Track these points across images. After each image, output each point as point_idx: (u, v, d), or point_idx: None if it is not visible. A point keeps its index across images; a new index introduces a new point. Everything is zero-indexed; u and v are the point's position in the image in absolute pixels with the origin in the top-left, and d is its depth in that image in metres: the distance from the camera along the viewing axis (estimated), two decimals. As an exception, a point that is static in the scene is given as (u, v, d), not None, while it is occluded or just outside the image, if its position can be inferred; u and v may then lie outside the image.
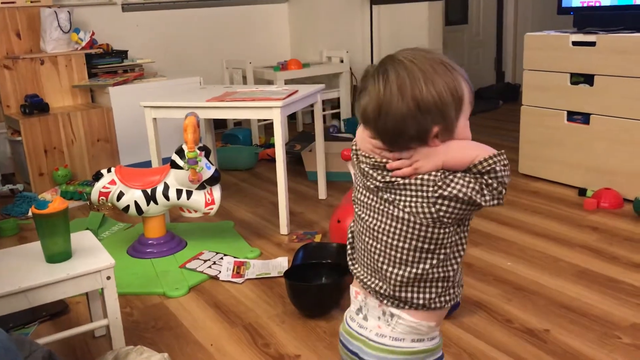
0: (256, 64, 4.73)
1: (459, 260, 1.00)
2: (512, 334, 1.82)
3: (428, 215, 0.94)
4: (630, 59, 2.76)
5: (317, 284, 2.09)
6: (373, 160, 0.99)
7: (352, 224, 1.11)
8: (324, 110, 4.82)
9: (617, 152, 2.88)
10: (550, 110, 3.17)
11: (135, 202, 2.41)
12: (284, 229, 2.72)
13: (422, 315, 1.01)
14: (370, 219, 1.02)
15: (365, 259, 1.05)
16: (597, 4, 3.06)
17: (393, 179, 0.96)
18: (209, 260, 2.44)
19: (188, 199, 2.44)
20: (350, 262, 1.11)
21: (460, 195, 0.92)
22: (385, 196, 0.99)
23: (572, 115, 3.09)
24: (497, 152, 0.94)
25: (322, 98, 3.21)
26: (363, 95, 0.95)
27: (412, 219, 0.96)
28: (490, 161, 0.92)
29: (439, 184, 0.93)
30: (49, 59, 3.72)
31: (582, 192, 2.99)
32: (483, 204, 0.93)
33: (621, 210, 2.79)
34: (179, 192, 2.43)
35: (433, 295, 1.00)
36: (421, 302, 1.00)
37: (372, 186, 1.00)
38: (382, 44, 5.18)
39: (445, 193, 0.92)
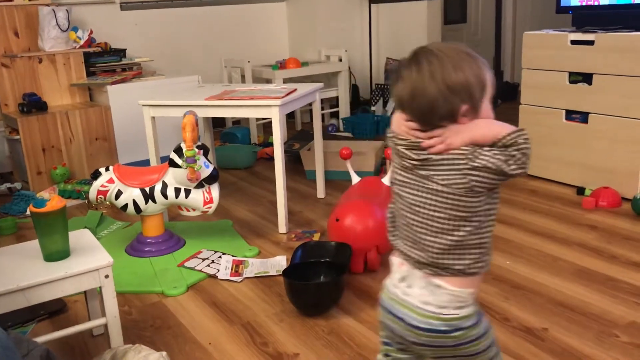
0: (255, 63, 4.72)
1: (490, 229, 1.12)
2: (511, 332, 1.82)
3: (461, 186, 1.05)
4: (629, 57, 2.76)
5: (315, 282, 2.09)
6: (408, 141, 1.10)
7: (391, 204, 1.22)
8: (322, 109, 4.82)
9: (616, 151, 2.88)
10: (549, 109, 3.17)
11: (134, 201, 2.41)
12: (282, 227, 2.72)
13: (461, 283, 1.11)
14: (409, 195, 1.13)
15: (407, 233, 1.16)
16: (596, 3, 3.06)
17: (428, 156, 1.08)
18: (207, 259, 2.44)
19: (186, 197, 2.44)
20: (392, 238, 1.22)
21: (490, 165, 1.03)
22: (421, 172, 1.10)
23: (570, 114, 3.09)
24: (518, 128, 1.05)
25: (320, 97, 3.21)
26: (398, 83, 1.08)
27: (447, 190, 1.07)
28: (514, 135, 1.04)
29: (470, 156, 1.04)
30: (47, 58, 3.71)
31: (580, 191, 2.99)
32: (510, 172, 1.04)
33: (619, 209, 2.79)
34: (177, 191, 2.43)
35: (469, 262, 1.10)
36: (459, 267, 1.10)
37: (408, 165, 1.11)
38: (381, 43, 5.18)
39: (476, 164, 1.04)
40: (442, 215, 1.09)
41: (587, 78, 2.98)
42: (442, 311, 1.10)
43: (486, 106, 1.09)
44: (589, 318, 1.88)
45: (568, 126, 3.09)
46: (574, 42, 3.00)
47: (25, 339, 1.38)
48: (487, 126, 1.06)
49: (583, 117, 3.02)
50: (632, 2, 2.91)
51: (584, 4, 3.12)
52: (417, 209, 1.12)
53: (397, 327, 1.15)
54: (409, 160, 1.11)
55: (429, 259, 1.11)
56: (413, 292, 1.14)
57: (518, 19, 5.91)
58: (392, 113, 1.16)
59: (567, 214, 2.77)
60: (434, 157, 1.07)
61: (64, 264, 1.62)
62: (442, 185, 1.07)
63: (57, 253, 1.64)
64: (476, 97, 1.06)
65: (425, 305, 1.11)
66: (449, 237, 1.09)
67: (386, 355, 1.26)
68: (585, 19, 3.10)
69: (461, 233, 1.09)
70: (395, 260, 1.20)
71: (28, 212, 2.94)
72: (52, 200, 1.61)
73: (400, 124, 1.13)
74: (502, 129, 1.05)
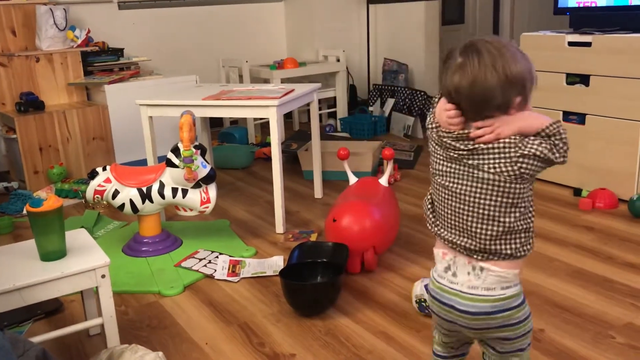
0: (252, 63, 4.72)
1: (533, 213, 1.18)
2: (507, 333, 1.82)
3: (511, 173, 1.11)
4: (626, 59, 2.77)
5: (312, 282, 2.09)
6: (456, 133, 1.14)
7: (428, 196, 1.28)
8: (320, 109, 4.82)
9: (613, 152, 2.89)
10: (546, 110, 3.17)
11: (131, 201, 2.41)
12: (279, 227, 2.72)
13: (507, 265, 1.17)
14: (456, 185, 1.18)
15: (453, 221, 1.20)
16: (593, 5, 3.07)
17: (477, 146, 1.12)
18: (204, 259, 2.44)
19: (183, 197, 2.43)
20: (435, 228, 1.26)
21: (538, 153, 1.10)
22: (470, 162, 1.14)
23: (567, 115, 3.09)
24: (557, 120, 1.13)
25: (318, 97, 3.21)
26: (456, 72, 1.11)
27: (496, 177, 1.12)
28: (555, 125, 1.11)
29: (520, 145, 1.10)
30: (44, 57, 3.71)
31: (577, 192, 3.00)
32: (555, 160, 1.11)
33: (616, 210, 2.80)
34: (174, 191, 2.43)
35: (518, 245, 1.16)
36: (509, 252, 1.16)
37: (455, 155, 1.16)
38: (379, 43, 5.18)
39: (526, 152, 1.10)
40: (491, 202, 1.14)
41: (584, 79, 2.99)
42: (489, 293, 1.16)
43: (530, 100, 1.15)
44: (585, 319, 1.88)
45: (565, 127, 3.09)
46: (571, 44, 3.01)
47: (21, 339, 1.37)
48: (532, 118, 1.12)
49: (580, 118, 3.03)
50: (629, 4, 2.91)
51: (581, 5, 3.12)
52: (465, 197, 1.17)
53: (448, 314, 1.22)
54: (456, 151, 1.15)
55: (479, 245, 1.16)
56: (459, 279, 1.20)
57: (516, 20, 5.91)
58: (434, 103, 1.21)
59: (564, 215, 2.78)
60: (483, 146, 1.12)
61: (60, 264, 1.62)
62: (491, 173, 1.12)
63: (53, 253, 1.64)
64: (527, 89, 1.12)
65: (472, 289, 1.17)
66: (499, 223, 1.15)
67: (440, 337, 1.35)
68: (583, 20, 3.11)
69: (510, 219, 1.15)
70: (437, 251, 1.25)
71: (25, 212, 2.93)
72: (49, 199, 1.61)
73: (442, 114, 1.16)
74: (545, 120, 1.12)
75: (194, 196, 2.44)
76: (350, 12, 5.20)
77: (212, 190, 2.46)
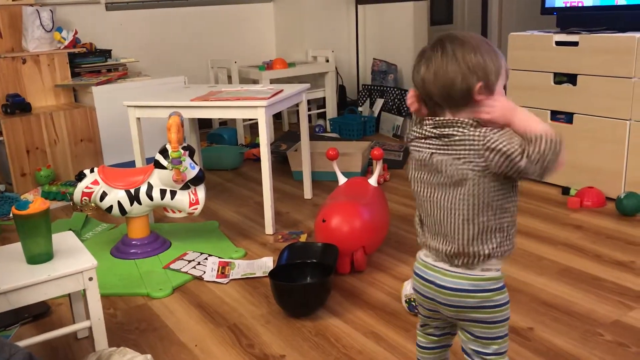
0: (241, 64, 4.71)
1: (510, 215, 1.19)
2: (496, 332, 1.83)
3: (476, 167, 1.13)
4: (612, 58, 2.79)
5: (301, 283, 2.09)
6: (431, 122, 1.17)
7: (417, 212, 1.30)
8: (309, 109, 4.82)
9: (600, 151, 2.91)
10: (534, 110, 3.19)
11: (119, 203, 2.39)
12: (269, 228, 2.71)
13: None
14: (431, 192, 1.21)
15: (437, 229, 1.23)
16: (580, 5, 3.09)
17: (445, 130, 1.14)
18: (193, 260, 2.42)
19: (172, 199, 2.42)
20: (423, 239, 1.28)
21: (503, 148, 1.09)
22: (435, 160, 1.17)
23: (555, 115, 3.11)
24: (549, 135, 1.08)
25: (307, 98, 3.21)
26: (421, 65, 1.17)
27: (464, 175, 1.14)
28: (539, 135, 1.08)
29: (488, 137, 1.10)
30: (31, 58, 3.68)
31: (565, 190, 3.01)
32: (518, 163, 1.09)
33: (604, 208, 2.82)
34: (162, 192, 2.41)
35: (495, 245, 1.19)
36: (487, 252, 1.18)
37: (425, 156, 1.19)
38: (368, 44, 5.18)
39: (492, 146, 1.10)
40: (462, 205, 1.17)
41: (571, 79, 3.00)
42: (469, 272, 1.19)
43: (500, 89, 1.17)
44: (574, 317, 1.89)
45: (553, 126, 3.11)
46: (558, 43, 3.03)
47: (7, 343, 1.36)
48: (532, 119, 1.12)
49: (568, 117, 3.05)
50: (615, 4, 2.94)
51: (568, 5, 3.14)
52: (441, 202, 1.20)
53: (428, 290, 1.24)
54: (428, 142, 1.18)
55: (459, 248, 1.19)
56: (441, 264, 1.23)
57: (504, 20, 5.94)
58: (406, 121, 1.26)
59: (552, 214, 2.79)
60: (451, 132, 1.14)
61: (47, 267, 1.60)
62: (459, 169, 1.14)
63: (39, 256, 1.62)
64: (491, 78, 1.14)
65: (454, 268, 1.21)
66: (474, 223, 1.17)
67: (423, 325, 1.38)
68: (570, 20, 3.12)
69: (483, 219, 1.17)
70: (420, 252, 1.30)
71: (12, 215, 2.91)
72: (35, 202, 1.60)
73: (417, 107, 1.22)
74: (539, 126, 1.10)
75: (183, 198, 2.43)
76: (339, 12, 5.20)
77: (200, 191, 2.45)
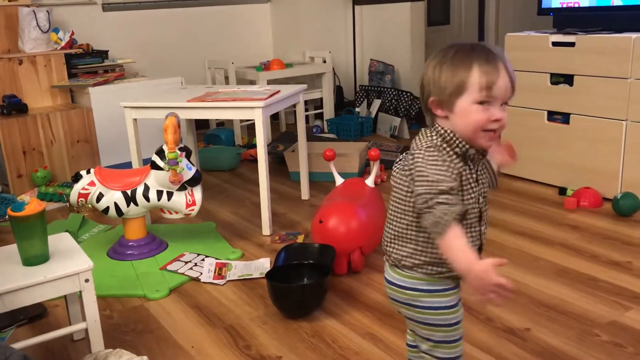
0: (238, 64, 4.71)
1: (426, 233, 1.18)
2: (493, 333, 1.83)
3: (401, 181, 1.21)
4: (609, 59, 2.79)
5: (298, 284, 2.08)
6: None
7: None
8: (307, 110, 4.81)
9: (597, 151, 2.91)
10: (531, 110, 3.20)
11: (115, 204, 2.39)
12: (266, 229, 2.71)
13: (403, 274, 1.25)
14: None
15: None
16: (576, 5, 3.09)
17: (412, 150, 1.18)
18: (190, 261, 2.42)
19: (169, 200, 2.42)
20: None
21: (414, 173, 1.14)
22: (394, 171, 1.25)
23: (552, 115, 3.11)
24: (434, 205, 1.10)
25: (305, 98, 3.21)
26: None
27: (397, 179, 1.22)
28: (426, 191, 1.11)
29: (414, 157, 1.15)
30: (27, 59, 3.67)
31: (562, 191, 3.02)
32: (413, 198, 1.16)
33: (601, 209, 2.82)
34: (159, 194, 2.41)
35: (405, 254, 1.22)
36: (395, 256, 1.24)
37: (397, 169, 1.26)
38: (365, 44, 5.18)
39: (412, 166, 1.15)
40: (391, 206, 1.25)
41: (568, 79, 3.01)
42: (403, 270, 1.25)
43: (467, 106, 1.13)
44: (570, 317, 1.89)
45: (550, 127, 3.12)
46: (555, 44, 3.03)
47: (2, 345, 1.36)
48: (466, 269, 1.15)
49: (564, 118, 3.05)
50: (611, 5, 2.94)
51: (564, 6, 3.15)
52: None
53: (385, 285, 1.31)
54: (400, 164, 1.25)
55: (385, 244, 1.28)
56: None
57: (500, 20, 5.94)
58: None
59: (549, 214, 2.79)
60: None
61: (43, 268, 1.60)
62: (396, 178, 1.23)
63: (35, 257, 1.62)
64: (445, 94, 1.14)
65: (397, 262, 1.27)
66: (395, 225, 1.24)
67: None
68: (566, 20, 3.13)
69: (401, 224, 1.22)
70: None
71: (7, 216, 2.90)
72: (31, 203, 1.59)
73: None
74: (459, 264, 1.12)
75: (179, 199, 2.42)
76: (336, 13, 5.20)
77: (197, 192, 2.44)
